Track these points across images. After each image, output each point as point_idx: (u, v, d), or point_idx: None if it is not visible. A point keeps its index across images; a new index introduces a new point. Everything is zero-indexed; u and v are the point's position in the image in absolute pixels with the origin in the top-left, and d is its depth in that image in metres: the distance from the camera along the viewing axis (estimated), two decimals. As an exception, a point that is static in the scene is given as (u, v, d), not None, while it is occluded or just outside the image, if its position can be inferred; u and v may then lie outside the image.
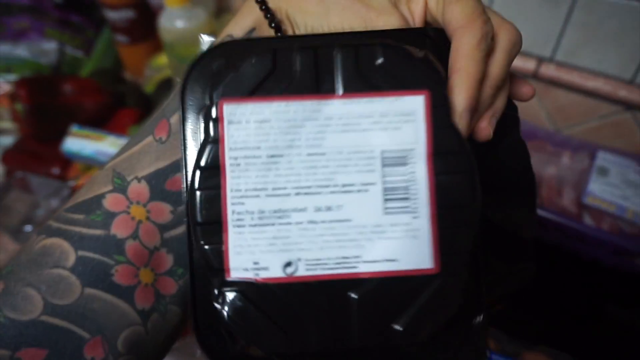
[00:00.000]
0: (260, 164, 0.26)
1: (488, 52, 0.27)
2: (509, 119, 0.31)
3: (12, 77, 0.90)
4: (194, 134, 0.27)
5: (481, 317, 0.28)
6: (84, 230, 0.29)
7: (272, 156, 0.26)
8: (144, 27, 0.91)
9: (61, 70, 0.95)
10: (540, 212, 0.70)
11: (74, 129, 0.84)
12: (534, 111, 0.84)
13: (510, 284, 0.33)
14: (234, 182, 0.26)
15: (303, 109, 0.26)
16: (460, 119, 0.26)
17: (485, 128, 0.28)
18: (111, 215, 0.29)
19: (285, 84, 0.26)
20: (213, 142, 0.26)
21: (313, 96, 0.26)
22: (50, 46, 0.94)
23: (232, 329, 0.26)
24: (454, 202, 0.26)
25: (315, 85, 0.26)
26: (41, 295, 0.27)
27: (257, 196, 0.26)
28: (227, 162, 0.26)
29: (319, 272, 0.26)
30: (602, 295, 0.71)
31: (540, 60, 0.79)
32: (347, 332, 0.26)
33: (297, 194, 0.26)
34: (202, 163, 0.26)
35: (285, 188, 0.26)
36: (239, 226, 0.26)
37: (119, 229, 0.29)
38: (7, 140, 0.92)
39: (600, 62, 0.76)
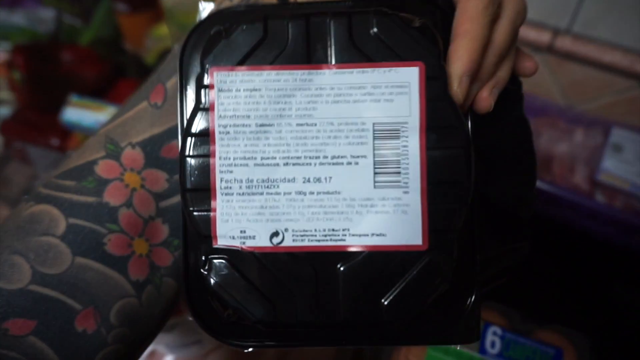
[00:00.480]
0: (250, 133, 0.26)
1: (494, 19, 0.26)
2: (512, 95, 0.30)
3: (8, 45, 0.89)
4: (190, 101, 0.28)
5: (473, 296, 0.28)
6: (75, 197, 0.28)
7: (262, 125, 0.26)
8: (145, -5, 0.91)
9: (59, 40, 0.94)
10: (551, 189, 0.70)
11: (74, 98, 0.82)
12: (546, 86, 0.83)
13: (503, 263, 0.33)
14: (223, 150, 0.27)
15: (294, 79, 0.26)
16: (460, 83, 0.26)
17: (486, 98, 0.27)
18: (104, 182, 0.28)
19: (276, 52, 0.26)
20: (204, 110, 0.27)
21: (304, 66, 0.26)
22: (47, 14, 0.92)
23: (218, 296, 0.27)
24: (446, 178, 0.26)
25: (307, 54, 0.26)
26: (29, 263, 0.27)
27: (246, 165, 0.27)
28: (217, 130, 0.26)
29: (306, 243, 0.27)
30: (612, 274, 0.71)
31: (556, 32, 0.78)
32: (333, 304, 0.27)
33: (286, 164, 0.26)
34: (193, 130, 0.27)
35: (274, 158, 0.26)
36: (227, 194, 0.27)
37: (111, 196, 0.28)
38: (5, 111, 0.91)
39: (620, 35, 0.74)
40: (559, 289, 0.70)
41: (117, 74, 0.90)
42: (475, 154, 0.27)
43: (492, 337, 0.54)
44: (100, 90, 0.87)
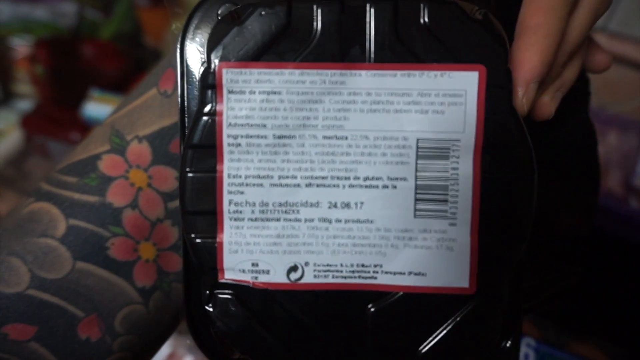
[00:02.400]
0: (265, 146, 0.21)
1: (572, 8, 0.21)
2: (576, 94, 0.25)
3: (30, 39, 0.86)
4: (192, 102, 0.22)
5: (511, 340, 0.23)
6: (77, 196, 0.25)
7: (281, 137, 0.21)
8: (166, -11, 0.86)
9: (80, 34, 0.91)
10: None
11: (95, 93, 0.79)
12: (578, 86, 0.77)
13: (551, 290, 0.28)
14: (232, 166, 0.21)
15: (322, 80, 0.20)
16: (526, 91, 0.20)
17: (548, 104, 0.22)
18: (107, 180, 0.25)
19: (302, 46, 0.20)
20: (209, 115, 0.21)
21: (336, 64, 0.20)
22: (69, 8, 0.89)
23: (224, 339, 0.22)
24: (502, 209, 0.21)
25: (340, 49, 0.20)
26: (27, 266, 0.24)
27: (260, 185, 0.21)
28: (225, 141, 0.21)
29: (330, 280, 0.21)
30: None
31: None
32: (361, 351, 0.22)
33: (309, 185, 0.21)
34: (195, 140, 0.21)
35: (294, 177, 0.21)
36: (236, 219, 0.21)
37: (115, 196, 0.25)
38: (26, 105, 0.88)
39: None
40: (592, 298, 0.64)
41: (138, 69, 0.86)
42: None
43: (526, 349, 0.50)
44: (120, 85, 0.83)
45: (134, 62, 0.86)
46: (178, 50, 0.22)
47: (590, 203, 0.28)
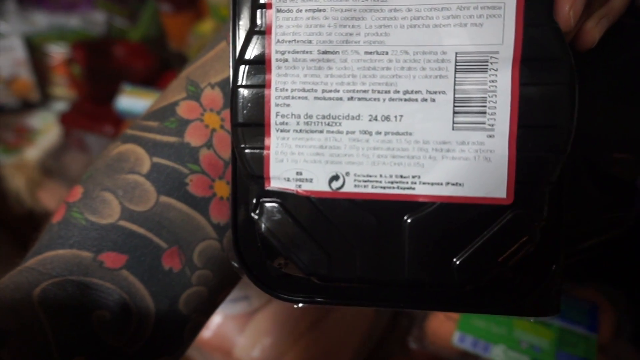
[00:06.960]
0: (311, 61, 0.20)
1: None
2: (628, 30, 0.23)
3: (65, 46, 0.87)
4: (245, 23, 0.21)
5: (557, 264, 0.21)
6: (158, 137, 0.25)
7: (325, 52, 0.20)
8: (188, -6, 0.85)
9: (111, 39, 0.91)
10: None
11: (127, 87, 0.79)
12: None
13: (602, 233, 0.25)
14: (279, 80, 0.20)
15: None
16: (574, 4, 0.18)
17: (591, 30, 0.20)
18: (185, 123, 0.25)
19: None
20: (260, 33, 0.20)
21: None
22: (99, 17, 0.90)
23: (269, 244, 0.21)
24: (541, 121, 0.19)
25: None
26: (118, 200, 0.24)
27: (305, 98, 0.20)
28: (274, 56, 0.20)
29: (370, 190, 0.20)
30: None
31: None
32: (396, 260, 0.20)
33: (351, 98, 0.20)
34: (247, 56, 0.20)
35: (337, 91, 0.20)
36: (282, 130, 0.20)
37: (192, 136, 0.25)
38: (62, 106, 0.89)
39: None
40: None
41: (164, 67, 0.86)
42: (579, 95, 0.19)
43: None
44: (149, 80, 0.83)
45: (160, 61, 0.85)
46: None
47: None
